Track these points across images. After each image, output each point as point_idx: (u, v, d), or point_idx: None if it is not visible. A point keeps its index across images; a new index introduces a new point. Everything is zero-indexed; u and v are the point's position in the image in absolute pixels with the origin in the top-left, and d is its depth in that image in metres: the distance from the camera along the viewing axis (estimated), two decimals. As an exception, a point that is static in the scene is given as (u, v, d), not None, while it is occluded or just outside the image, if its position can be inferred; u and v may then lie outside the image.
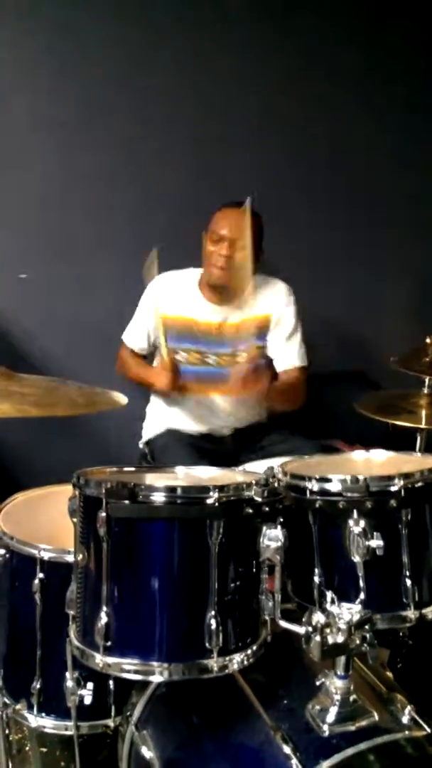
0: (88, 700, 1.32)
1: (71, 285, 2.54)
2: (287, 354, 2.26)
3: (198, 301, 2.21)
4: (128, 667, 1.15)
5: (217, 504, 1.16)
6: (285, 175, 2.72)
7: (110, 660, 1.15)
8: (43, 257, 2.53)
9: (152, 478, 1.41)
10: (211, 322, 2.20)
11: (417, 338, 2.25)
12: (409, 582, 1.32)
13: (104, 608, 1.16)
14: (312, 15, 2.70)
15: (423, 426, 2.13)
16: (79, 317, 2.54)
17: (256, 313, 2.20)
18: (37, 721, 1.39)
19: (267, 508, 1.22)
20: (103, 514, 1.17)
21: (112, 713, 1.39)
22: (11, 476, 2.42)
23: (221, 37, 2.61)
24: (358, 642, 1.16)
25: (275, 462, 1.49)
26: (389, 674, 1.52)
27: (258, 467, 1.86)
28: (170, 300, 2.19)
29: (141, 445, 2.34)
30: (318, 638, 1.14)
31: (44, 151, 2.49)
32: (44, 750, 1.55)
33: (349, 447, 2.47)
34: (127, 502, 1.16)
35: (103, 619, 1.16)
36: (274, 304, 2.23)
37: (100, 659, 1.16)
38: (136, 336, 2.29)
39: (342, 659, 1.18)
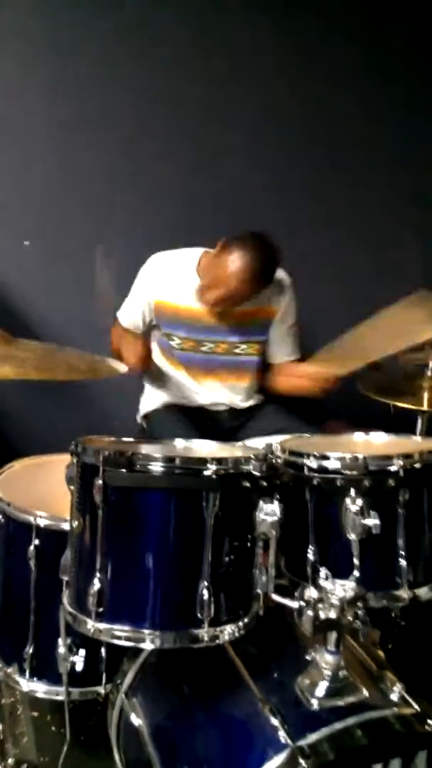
0: (79, 667, 1.33)
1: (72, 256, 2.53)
2: (287, 347, 2.26)
3: (193, 286, 2.11)
4: (119, 633, 1.15)
5: (214, 476, 1.17)
6: (285, 172, 2.72)
7: (102, 626, 1.16)
8: (47, 227, 2.52)
9: (150, 449, 1.41)
10: (205, 309, 2.11)
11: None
12: (403, 562, 1.32)
13: (98, 575, 1.17)
14: (312, 14, 2.68)
15: (425, 408, 2.11)
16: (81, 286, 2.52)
17: (260, 305, 2.15)
18: (29, 685, 1.40)
19: (264, 483, 1.23)
20: (100, 482, 1.17)
21: (103, 680, 1.40)
22: (9, 444, 2.43)
23: (221, 35, 2.60)
24: (350, 618, 1.16)
25: (274, 439, 1.49)
26: (380, 653, 1.53)
27: (257, 443, 1.86)
28: (165, 286, 2.13)
29: (139, 420, 2.34)
30: (310, 613, 1.14)
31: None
32: (35, 714, 1.56)
33: (350, 429, 2.46)
34: (124, 470, 1.16)
35: (96, 585, 1.16)
36: (279, 298, 2.19)
37: (91, 625, 1.16)
38: (129, 314, 2.21)
39: (333, 635, 1.18)
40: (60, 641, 1.31)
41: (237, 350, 2.19)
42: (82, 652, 1.32)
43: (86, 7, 2.45)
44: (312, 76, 2.70)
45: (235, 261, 1.94)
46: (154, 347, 2.23)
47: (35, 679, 1.40)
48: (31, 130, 2.47)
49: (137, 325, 2.20)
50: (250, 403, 2.30)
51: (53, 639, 1.32)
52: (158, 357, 2.24)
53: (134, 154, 2.56)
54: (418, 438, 1.81)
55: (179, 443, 1.51)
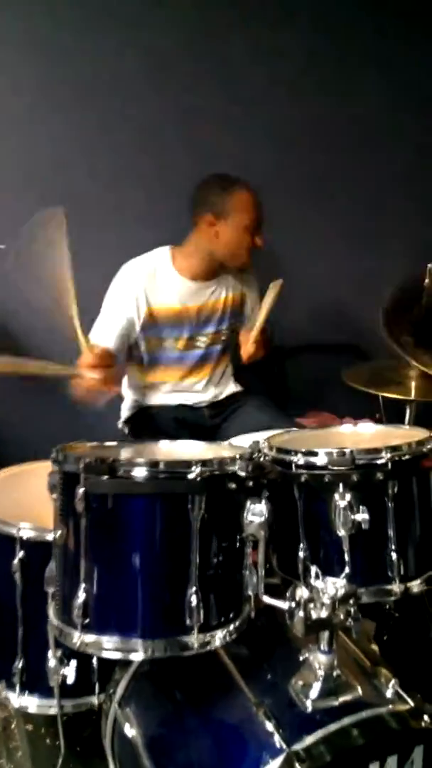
0: (71, 679, 1.30)
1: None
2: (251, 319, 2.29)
3: (181, 284, 2.13)
4: (107, 645, 1.13)
5: (199, 479, 1.14)
6: (282, 154, 2.71)
7: (89, 638, 1.13)
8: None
9: (133, 453, 1.38)
10: (198, 304, 2.16)
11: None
12: (394, 555, 1.31)
13: (82, 585, 1.14)
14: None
15: (412, 398, 2.10)
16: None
17: (234, 290, 2.22)
18: (20, 700, 1.38)
19: (251, 483, 1.21)
20: (82, 490, 1.14)
21: (96, 690, 1.37)
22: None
23: (220, 36, 2.60)
24: (342, 617, 1.14)
25: (260, 436, 1.47)
26: (374, 647, 1.51)
27: (243, 441, 1.85)
28: (154, 290, 2.09)
29: (120, 425, 2.31)
30: (301, 613, 1.12)
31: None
32: (29, 728, 1.54)
33: (336, 419, 2.47)
34: (106, 477, 1.14)
35: (81, 596, 1.13)
36: (244, 280, 2.27)
37: (78, 637, 1.14)
38: (106, 333, 2.05)
39: (326, 634, 1.16)
40: (50, 653, 1.28)
41: (223, 337, 2.21)
42: (73, 663, 1.30)
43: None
44: (299, 61, 2.70)
45: (241, 190, 2.05)
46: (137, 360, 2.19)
47: (27, 693, 1.37)
48: (31, 111, 2.44)
49: (122, 342, 2.08)
50: (232, 390, 2.29)
51: (43, 652, 1.29)
52: (139, 369, 2.21)
53: (115, 147, 2.52)
54: (406, 427, 1.80)
55: (163, 444, 1.48)
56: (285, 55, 2.69)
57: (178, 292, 2.12)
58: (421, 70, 2.88)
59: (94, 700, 1.37)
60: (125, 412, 2.29)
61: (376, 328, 2.12)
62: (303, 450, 1.31)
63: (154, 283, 2.10)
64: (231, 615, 1.20)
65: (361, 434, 1.61)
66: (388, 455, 1.29)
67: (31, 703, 1.37)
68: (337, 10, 2.74)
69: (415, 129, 2.90)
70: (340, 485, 1.27)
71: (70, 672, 1.30)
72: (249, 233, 2.06)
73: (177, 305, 2.12)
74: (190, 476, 1.14)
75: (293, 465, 1.32)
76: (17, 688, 1.37)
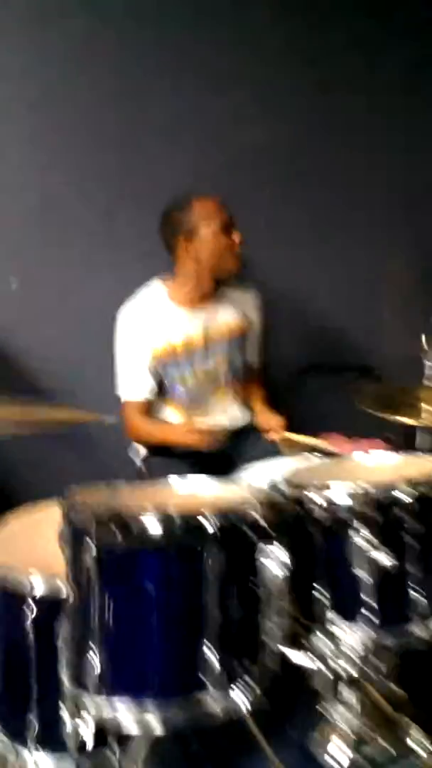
0: (88, 736, 1.25)
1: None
2: (254, 356, 2.28)
3: (179, 316, 2.10)
4: (121, 706, 1.08)
5: (215, 531, 1.11)
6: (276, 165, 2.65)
7: (102, 700, 1.09)
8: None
9: (145, 498, 1.34)
10: (202, 331, 2.12)
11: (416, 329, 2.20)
12: (418, 596, 1.26)
13: (95, 646, 1.11)
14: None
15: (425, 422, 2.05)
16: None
17: (236, 313, 2.18)
18: (35, 757, 1.33)
19: (268, 528, 1.17)
20: (93, 546, 1.11)
21: (115, 747, 1.32)
22: (5, 494, 2.35)
23: (219, 37, 2.56)
24: (366, 670, 1.10)
25: (275, 466, 1.39)
26: (397, 688, 1.46)
27: (258, 473, 1.81)
28: (156, 330, 2.07)
29: (138, 463, 2.27)
30: (323, 668, 1.09)
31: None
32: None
33: (348, 441, 2.42)
34: (117, 532, 1.10)
35: (94, 657, 1.10)
36: (247, 307, 2.22)
37: (92, 700, 1.10)
38: (140, 383, 2.08)
39: (347, 687, 1.12)
40: (66, 717, 1.22)
41: (233, 363, 2.17)
42: (89, 720, 1.25)
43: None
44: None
45: (198, 200, 2.04)
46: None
47: (42, 750, 1.32)
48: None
49: (153, 389, 2.10)
50: (243, 416, 2.25)
51: (58, 708, 1.25)
52: (161, 412, 2.17)
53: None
54: (422, 455, 1.76)
55: (176, 484, 1.44)
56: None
57: (180, 324, 2.09)
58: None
59: (113, 757, 1.32)
60: (142, 449, 2.24)
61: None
62: (322, 487, 1.28)
63: (155, 321, 2.08)
64: (250, 669, 1.15)
65: (377, 465, 1.57)
66: (411, 491, 1.26)
67: (47, 763, 1.32)
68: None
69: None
70: (362, 524, 1.24)
71: (86, 730, 1.25)
72: (223, 235, 2.05)
73: (182, 337, 2.09)
74: (207, 529, 1.10)
75: (313, 504, 1.29)
76: (33, 745, 1.32)
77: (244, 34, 2.58)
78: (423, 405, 2.06)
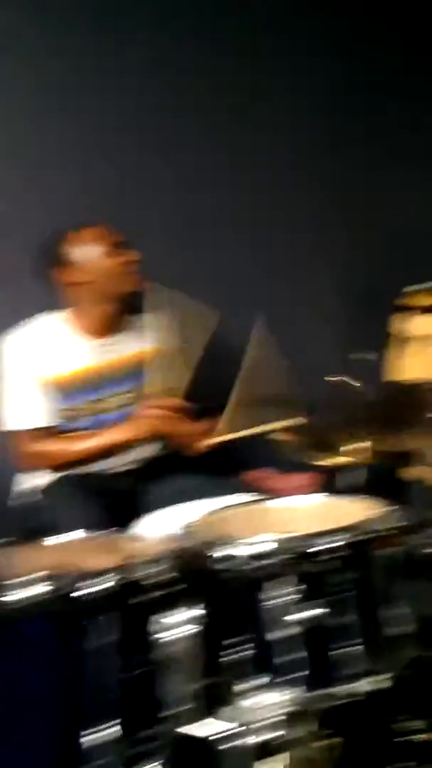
0: None
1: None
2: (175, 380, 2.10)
3: (82, 345, 1.99)
4: None
5: (97, 597, 0.96)
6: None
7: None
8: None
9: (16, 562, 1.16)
10: (104, 362, 2.00)
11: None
12: (354, 652, 1.15)
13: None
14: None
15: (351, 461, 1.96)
16: None
17: (144, 342, 2.05)
18: None
19: (166, 592, 1.04)
20: None
21: None
22: None
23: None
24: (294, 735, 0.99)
25: (181, 513, 1.36)
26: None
27: (162, 519, 1.68)
28: (51, 359, 1.95)
29: (33, 495, 2.08)
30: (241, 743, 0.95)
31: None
32: None
33: (278, 476, 2.32)
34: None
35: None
36: (162, 331, 2.08)
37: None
38: (33, 410, 1.94)
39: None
40: None
41: (138, 395, 2.01)
42: None
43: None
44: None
45: (75, 231, 1.95)
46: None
47: None
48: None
49: (50, 413, 1.94)
50: (154, 451, 2.11)
51: None
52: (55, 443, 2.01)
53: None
54: (346, 496, 1.65)
55: (51, 543, 1.27)
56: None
57: (80, 354, 1.97)
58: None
59: None
60: (40, 479, 2.07)
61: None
62: (237, 540, 1.16)
63: (50, 352, 1.96)
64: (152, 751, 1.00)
65: (299, 510, 1.44)
66: (338, 539, 1.15)
67: None
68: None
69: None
70: (283, 577, 1.13)
71: None
72: (112, 255, 1.96)
73: (77, 367, 1.97)
74: (83, 595, 0.95)
75: (221, 561, 1.14)
76: None
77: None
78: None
